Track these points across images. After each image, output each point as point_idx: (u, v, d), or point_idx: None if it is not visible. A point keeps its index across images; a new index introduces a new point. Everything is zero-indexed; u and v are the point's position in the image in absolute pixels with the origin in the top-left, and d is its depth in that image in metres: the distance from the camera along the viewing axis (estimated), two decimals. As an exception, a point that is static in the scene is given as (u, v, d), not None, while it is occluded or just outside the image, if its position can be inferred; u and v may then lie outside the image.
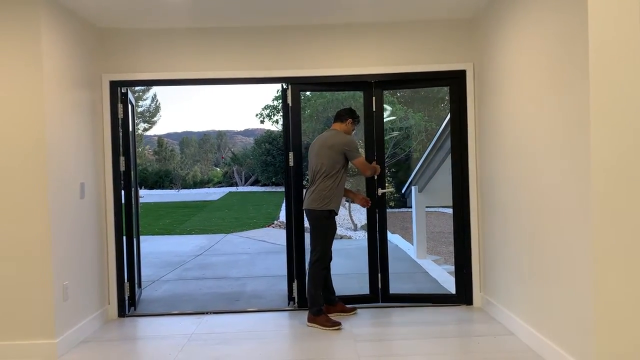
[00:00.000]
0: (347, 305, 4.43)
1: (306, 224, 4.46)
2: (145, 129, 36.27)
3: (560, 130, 3.02)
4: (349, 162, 4.27)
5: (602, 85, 2.70)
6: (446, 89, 4.76)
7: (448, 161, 6.30)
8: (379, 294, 4.64)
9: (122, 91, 4.58)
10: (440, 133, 7.97)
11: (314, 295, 4.13)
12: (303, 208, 4.35)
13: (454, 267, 4.78)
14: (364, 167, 4.30)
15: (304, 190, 4.48)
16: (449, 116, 5.03)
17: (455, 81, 4.58)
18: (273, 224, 13.63)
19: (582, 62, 2.74)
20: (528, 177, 3.50)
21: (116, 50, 4.50)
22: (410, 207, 9.74)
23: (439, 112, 22.31)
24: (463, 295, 4.63)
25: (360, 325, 4.15)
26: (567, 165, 2.95)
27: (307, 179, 4.42)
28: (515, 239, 3.75)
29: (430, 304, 4.63)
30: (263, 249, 9.41)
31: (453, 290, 4.82)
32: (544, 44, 3.19)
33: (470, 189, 4.56)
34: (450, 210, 4.76)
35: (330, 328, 4.03)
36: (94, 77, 4.38)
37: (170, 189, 30.21)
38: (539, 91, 3.29)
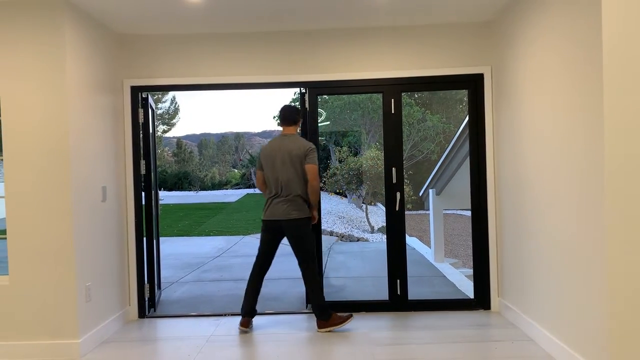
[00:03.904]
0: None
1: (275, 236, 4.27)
2: (164, 131, 36.72)
3: (580, 133, 2.99)
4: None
5: (615, 88, 2.68)
6: (465, 90, 4.74)
7: (466, 164, 6.26)
8: (398, 301, 4.63)
9: (143, 96, 4.67)
10: (459, 135, 7.93)
11: (322, 303, 4.11)
12: (275, 219, 4.11)
13: (472, 270, 4.75)
14: (316, 175, 4.09)
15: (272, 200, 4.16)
16: (467, 118, 5.00)
17: (473, 84, 4.56)
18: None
19: (601, 65, 2.71)
20: (547, 181, 3.46)
21: (137, 56, 4.59)
22: (428, 209, 9.69)
23: (458, 114, 22.16)
24: (481, 300, 4.60)
25: (377, 329, 4.16)
26: (587, 169, 2.92)
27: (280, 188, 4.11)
28: (534, 243, 3.72)
29: (449, 310, 4.61)
30: (280, 251, 9.42)
31: (471, 294, 4.80)
32: (563, 47, 3.17)
33: (488, 193, 4.53)
34: (469, 213, 4.73)
35: (346, 322, 4.08)
36: (115, 83, 4.48)
37: (189, 190, 30.52)
38: (558, 94, 3.26)
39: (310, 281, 4.14)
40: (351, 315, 4.14)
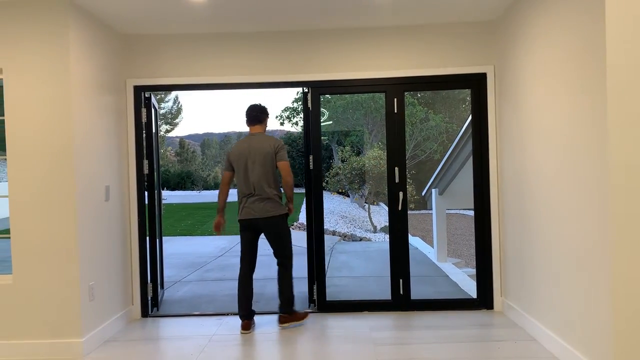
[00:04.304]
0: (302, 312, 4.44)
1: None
2: (167, 131, 36.82)
3: (584, 132, 2.98)
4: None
5: (620, 86, 2.67)
6: (467, 89, 4.73)
7: (469, 163, 6.25)
8: (401, 300, 4.63)
9: (146, 96, 4.67)
10: (461, 135, 7.92)
11: (292, 298, 4.28)
12: (253, 218, 4.14)
13: (474, 270, 4.74)
14: (289, 171, 4.15)
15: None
16: (470, 118, 4.99)
17: (476, 84, 4.56)
18: (293, 225, 13.69)
19: (605, 63, 2.70)
20: (550, 180, 3.46)
21: (140, 56, 4.60)
22: (431, 209, 9.68)
23: (461, 113, 22.14)
24: (484, 299, 4.60)
25: (380, 329, 4.16)
26: (591, 167, 2.91)
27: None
28: (536, 242, 3.72)
29: (452, 310, 4.61)
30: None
31: (473, 294, 4.79)
32: (565, 45, 3.16)
33: (491, 193, 4.53)
34: (472, 213, 4.72)
35: (305, 318, 4.35)
36: (118, 82, 4.49)
37: (192, 190, 30.58)
38: (560, 94, 3.25)
39: (287, 275, 4.26)
40: (307, 314, 4.41)
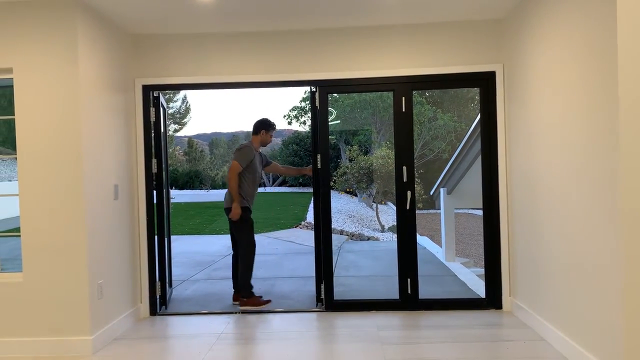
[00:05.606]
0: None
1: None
2: (175, 130, 36.95)
3: (592, 132, 2.95)
4: (265, 166, 5.24)
5: (631, 84, 2.64)
6: (476, 88, 4.70)
7: (478, 163, 6.21)
8: (408, 300, 4.61)
9: (154, 95, 4.69)
10: (470, 134, 7.87)
11: (248, 281, 4.79)
12: (224, 207, 4.94)
13: (483, 270, 4.71)
14: (230, 171, 4.77)
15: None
16: (478, 117, 4.96)
17: (484, 83, 4.53)
18: (300, 224, 13.69)
19: (615, 63, 2.67)
20: (560, 180, 3.43)
21: (148, 55, 4.62)
22: (439, 208, 9.64)
23: (469, 112, 22.02)
24: (492, 299, 4.57)
25: (388, 328, 4.15)
26: (599, 168, 2.89)
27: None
28: (546, 242, 3.69)
29: (460, 309, 4.58)
30: (290, 249, 9.47)
31: (482, 294, 4.77)
32: (575, 43, 3.13)
33: (500, 192, 4.50)
34: (481, 212, 4.70)
35: (264, 306, 4.75)
36: (127, 82, 4.51)
37: (200, 189, 30.68)
38: (571, 91, 3.22)
39: (241, 262, 4.82)
40: (269, 301, 4.85)
